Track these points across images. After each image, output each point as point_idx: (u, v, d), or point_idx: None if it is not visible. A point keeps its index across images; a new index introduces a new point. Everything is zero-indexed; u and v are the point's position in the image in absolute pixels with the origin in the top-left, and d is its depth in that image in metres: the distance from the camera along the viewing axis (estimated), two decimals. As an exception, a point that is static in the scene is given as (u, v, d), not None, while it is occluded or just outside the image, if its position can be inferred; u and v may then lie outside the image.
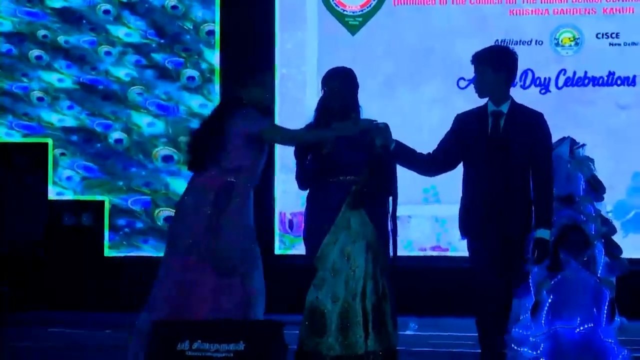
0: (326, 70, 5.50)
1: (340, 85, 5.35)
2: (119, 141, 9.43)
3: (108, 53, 9.42)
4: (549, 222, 5.23)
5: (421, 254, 7.98)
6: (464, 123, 5.30)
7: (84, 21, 9.42)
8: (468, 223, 5.29)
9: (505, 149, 5.22)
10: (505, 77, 5.26)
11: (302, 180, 5.42)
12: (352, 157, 5.34)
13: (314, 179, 5.37)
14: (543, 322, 5.42)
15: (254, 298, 5.35)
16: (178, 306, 5.25)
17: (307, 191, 5.47)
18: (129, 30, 9.42)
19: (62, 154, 9.39)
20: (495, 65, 5.26)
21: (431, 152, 5.35)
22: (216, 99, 9.22)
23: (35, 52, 9.41)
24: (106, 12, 9.43)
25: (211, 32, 9.34)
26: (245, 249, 5.29)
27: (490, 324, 5.26)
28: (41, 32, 9.41)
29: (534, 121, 5.30)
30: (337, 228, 5.30)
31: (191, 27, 9.40)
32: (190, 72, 9.26)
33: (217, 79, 9.30)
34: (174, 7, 9.43)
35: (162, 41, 9.39)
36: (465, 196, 5.31)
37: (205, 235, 5.29)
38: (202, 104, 9.21)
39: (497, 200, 5.20)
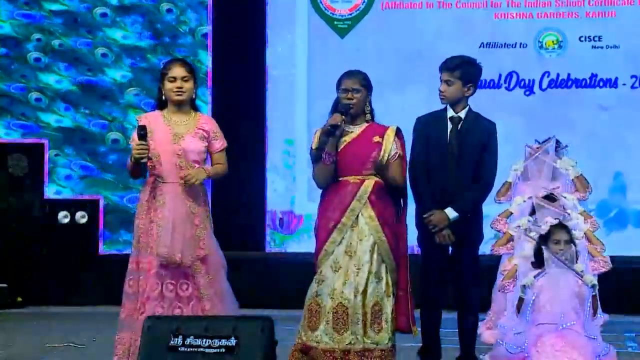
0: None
1: (352, 94, 5.43)
2: (115, 141, 9.48)
3: (105, 55, 9.47)
4: (462, 209, 5.58)
5: (410, 251, 8.02)
6: (426, 126, 5.69)
7: (81, 24, 9.46)
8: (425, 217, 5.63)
9: (460, 150, 5.61)
10: (472, 91, 5.64)
11: (318, 179, 5.48)
12: (358, 157, 5.43)
13: (330, 178, 5.43)
14: (527, 318, 5.52)
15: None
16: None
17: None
18: (125, 33, 9.46)
19: (57, 155, 9.45)
20: (466, 79, 5.62)
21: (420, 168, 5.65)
22: (205, 100, 9.30)
23: (33, 54, 9.46)
24: (103, 15, 9.47)
25: (205, 35, 9.41)
26: None
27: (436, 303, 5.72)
28: (37, 35, 9.46)
29: (487, 129, 5.68)
30: (344, 226, 5.39)
31: (186, 30, 9.44)
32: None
33: (209, 81, 9.35)
34: (168, 11, 9.47)
35: (157, 43, 9.44)
36: (421, 193, 5.65)
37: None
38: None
39: (450, 195, 5.59)
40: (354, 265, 5.36)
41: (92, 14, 9.46)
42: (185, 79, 5.58)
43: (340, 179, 5.42)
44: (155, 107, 5.73)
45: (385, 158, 5.41)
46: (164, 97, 5.63)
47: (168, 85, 5.58)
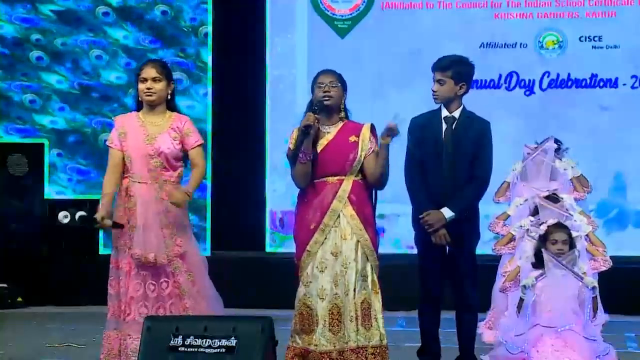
0: (316, 72, 5.63)
1: (329, 87, 5.46)
2: (111, 141, 9.48)
3: (99, 57, 9.46)
4: (459, 208, 5.56)
5: (408, 251, 8.03)
6: (421, 127, 5.68)
7: (78, 25, 9.45)
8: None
9: (455, 149, 5.61)
10: (465, 90, 5.64)
11: (297, 179, 5.50)
12: (336, 159, 5.45)
13: (308, 177, 5.45)
14: (528, 318, 5.53)
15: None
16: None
17: (298, 190, 5.58)
18: (124, 33, 9.45)
19: (58, 155, 9.45)
20: (457, 78, 5.61)
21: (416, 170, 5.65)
22: (205, 101, 9.30)
23: (31, 55, 9.44)
24: (103, 14, 9.44)
25: (204, 35, 9.41)
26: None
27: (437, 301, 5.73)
28: (35, 36, 9.45)
29: (482, 128, 5.68)
30: (326, 226, 5.42)
31: (184, 30, 9.43)
32: (178, 74, 9.32)
33: (209, 82, 9.36)
34: (164, 12, 9.45)
35: (156, 44, 9.43)
36: (417, 193, 5.66)
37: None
38: (189, 105, 9.26)
39: (446, 195, 5.58)
40: (340, 265, 5.38)
41: (89, 14, 9.44)
42: (156, 79, 5.61)
43: (318, 180, 5.45)
44: (134, 108, 5.79)
45: (363, 157, 5.44)
46: (140, 98, 5.67)
47: (140, 86, 5.64)
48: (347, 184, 5.44)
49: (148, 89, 5.60)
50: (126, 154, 5.61)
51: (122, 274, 5.57)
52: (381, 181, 5.49)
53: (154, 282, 5.53)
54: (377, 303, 5.43)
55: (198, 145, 5.67)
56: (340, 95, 5.49)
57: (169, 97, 5.69)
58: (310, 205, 5.46)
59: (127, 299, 5.53)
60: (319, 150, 5.42)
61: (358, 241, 5.41)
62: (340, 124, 5.51)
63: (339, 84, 5.48)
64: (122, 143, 5.63)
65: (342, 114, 5.53)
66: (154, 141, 5.58)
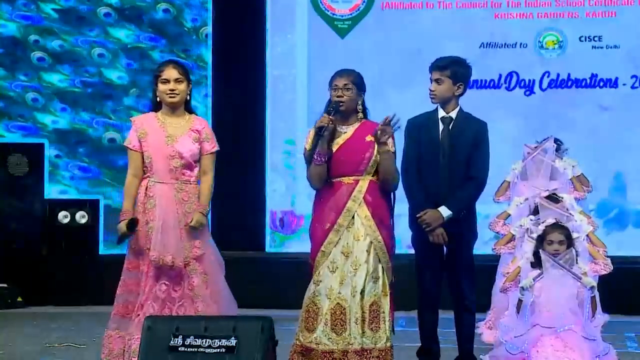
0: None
1: (342, 91, 5.46)
2: (112, 140, 9.48)
3: (102, 55, 9.47)
4: (456, 207, 5.57)
5: (408, 251, 8.02)
6: (418, 127, 5.68)
7: (80, 23, 9.45)
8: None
9: (452, 150, 5.61)
10: (462, 90, 5.64)
11: (312, 180, 5.50)
12: (352, 158, 5.45)
13: (324, 178, 5.44)
14: (527, 319, 5.53)
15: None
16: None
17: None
18: (126, 33, 9.45)
19: (57, 156, 9.45)
20: (455, 78, 5.61)
21: (415, 172, 5.65)
22: (205, 101, 9.30)
23: (31, 55, 9.45)
24: (104, 15, 9.45)
25: (206, 36, 9.41)
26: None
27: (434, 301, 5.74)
28: (34, 37, 9.45)
29: (478, 128, 5.68)
30: (340, 227, 5.41)
31: (186, 30, 9.44)
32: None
33: (209, 82, 9.36)
34: (165, 11, 9.46)
35: (157, 44, 9.43)
36: (415, 193, 5.65)
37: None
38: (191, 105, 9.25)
39: (443, 196, 5.59)
40: (350, 265, 5.37)
41: (91, 14, 9.45)
42: (178, 80, 5.59)
43: (334, 180, 5.43)
44: (150, 109, 5.74)
45: (378, 157, 5.43)
46: (158, 99, 5.64)
47: (161, 87, 5.60)
48: (363, 184, 5.44)
49: (171, 90, 5.57)
50: (146, 154, 5.58)
51: (137, 275, 5.54)
52: (389, 184, 5.49)
53: (167, 283, 5.51)
54: (386, 305, 5.41)
55: (213, 152, 5.67)
56: (355, 97, 5.47)
57: (188, 97, 5.68)
58: (326, 205, 5.45)
59: (142, 299, 5.50)
60: (334, 149, 5.42)
61: (371, 242, 5.41)
62: (357, 124, 5.50)
63: (354, 86, 5.46)
64: (142, 143, 5.59)
65: (360, 115, 5.52)
66: (175, 142, 5.56)
